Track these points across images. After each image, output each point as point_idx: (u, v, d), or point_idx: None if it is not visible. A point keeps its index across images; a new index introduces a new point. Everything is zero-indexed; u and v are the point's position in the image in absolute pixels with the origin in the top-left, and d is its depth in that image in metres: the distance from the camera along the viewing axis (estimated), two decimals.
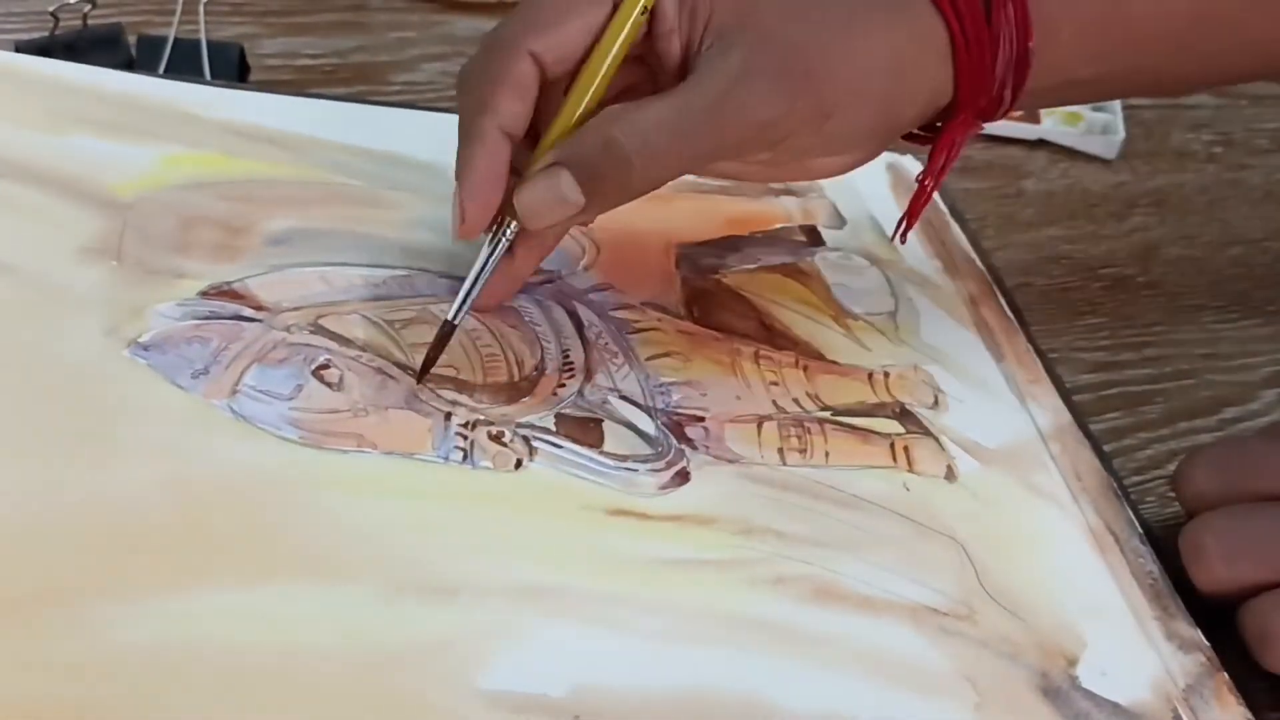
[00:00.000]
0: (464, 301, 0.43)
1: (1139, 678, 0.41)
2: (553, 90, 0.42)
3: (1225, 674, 0.41)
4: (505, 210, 0.42)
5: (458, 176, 0.42)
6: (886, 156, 0.62)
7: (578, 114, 0.42)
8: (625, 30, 0.42)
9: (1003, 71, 0.45)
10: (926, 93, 0.45)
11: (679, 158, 0.41)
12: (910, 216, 0.50)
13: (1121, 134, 0.68)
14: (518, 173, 0.42)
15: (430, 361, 0.43)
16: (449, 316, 0.43)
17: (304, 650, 0.35)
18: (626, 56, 0.42)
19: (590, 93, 0.42)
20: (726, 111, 0.41)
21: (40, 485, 0.37)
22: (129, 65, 0.57)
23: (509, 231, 0.43)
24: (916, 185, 0.49)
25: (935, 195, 0.60)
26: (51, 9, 0.57)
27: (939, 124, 0.47)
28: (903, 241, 0.51)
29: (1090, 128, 0.68)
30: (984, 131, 0.66)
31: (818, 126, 0.43)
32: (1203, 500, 0.44)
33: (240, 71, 0.59)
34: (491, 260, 0.43)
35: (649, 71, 0.44)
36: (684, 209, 0.54)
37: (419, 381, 0.43)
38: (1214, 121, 0.72)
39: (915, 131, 0.48)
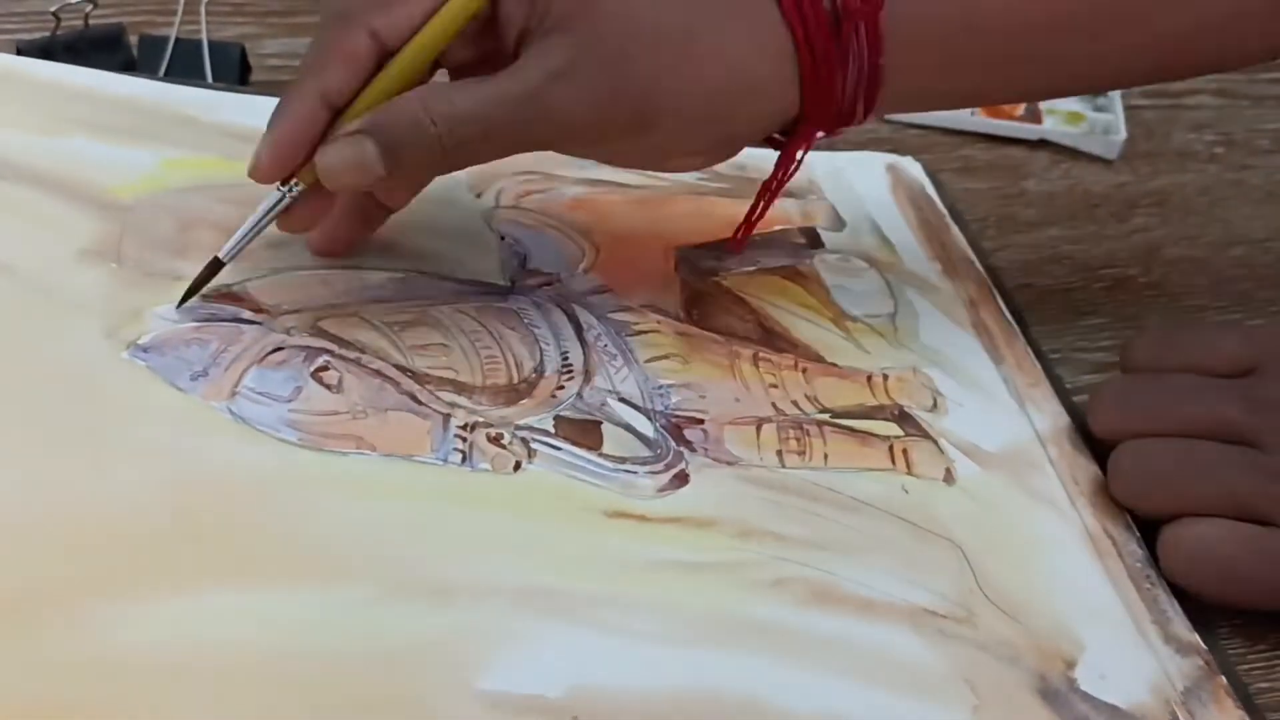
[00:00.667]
0: (239, 244, 0.44)
1: (1137, 681, 0.41)
2: (379, 65, 0.43)
3: (1223, 677, 0.41)
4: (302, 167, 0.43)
5: (269, 125, 0.42)
6: (887, 158, 0.62)
7: (389, 87, 0.42)
8: (455, 9, 0.42)
9: (852, 88, 0.44)
10: (768, 112, 0.45)
11: (485, 146, 0.42)
12: (747, 224, 0.50)
13: (1123, 134, 0.67)
14: None
15: (192, 291, 0.43)
16: (221, 253, 0.44)
17: (302, 652, 0.35)
18: (472, 33, 0.43)
19: (407, 66, 0.42)
20: (536, 108, 0.41)
21: (39, 486, 0.37)
22: (130, 65, 0.57)
23: (294, 189, 0.43)
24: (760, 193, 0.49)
25: (935, 197, 0.60)
26: (53, 9, 0.57)
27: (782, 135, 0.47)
28: (737, 250, 0.50)
29: (1092, 128, 0.68)
30: (986, 132, 0.67)
31: (637, 137, 0.42)
32: (1137, 367, 0.48)
33: (242, 72, 0.59)
34: (271, 212, 0.43)
35: (493, 50, 0.44)
36: (683, 211, 0.54)
37: (178, 307, 0.43)
38: (1216, 122, 0.72)
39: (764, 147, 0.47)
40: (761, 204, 0.50)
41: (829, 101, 0.44)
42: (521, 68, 0.41)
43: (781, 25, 0.43)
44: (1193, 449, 0.44)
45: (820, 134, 0.46)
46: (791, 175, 0.48)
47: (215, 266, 0.44)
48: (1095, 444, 0.48)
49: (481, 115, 0.41)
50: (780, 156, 0.47)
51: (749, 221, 0.50)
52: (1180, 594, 0.44)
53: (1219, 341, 0.47)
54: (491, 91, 0.41)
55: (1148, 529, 0.45)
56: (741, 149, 0.47)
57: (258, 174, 0.42)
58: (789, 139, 0.47)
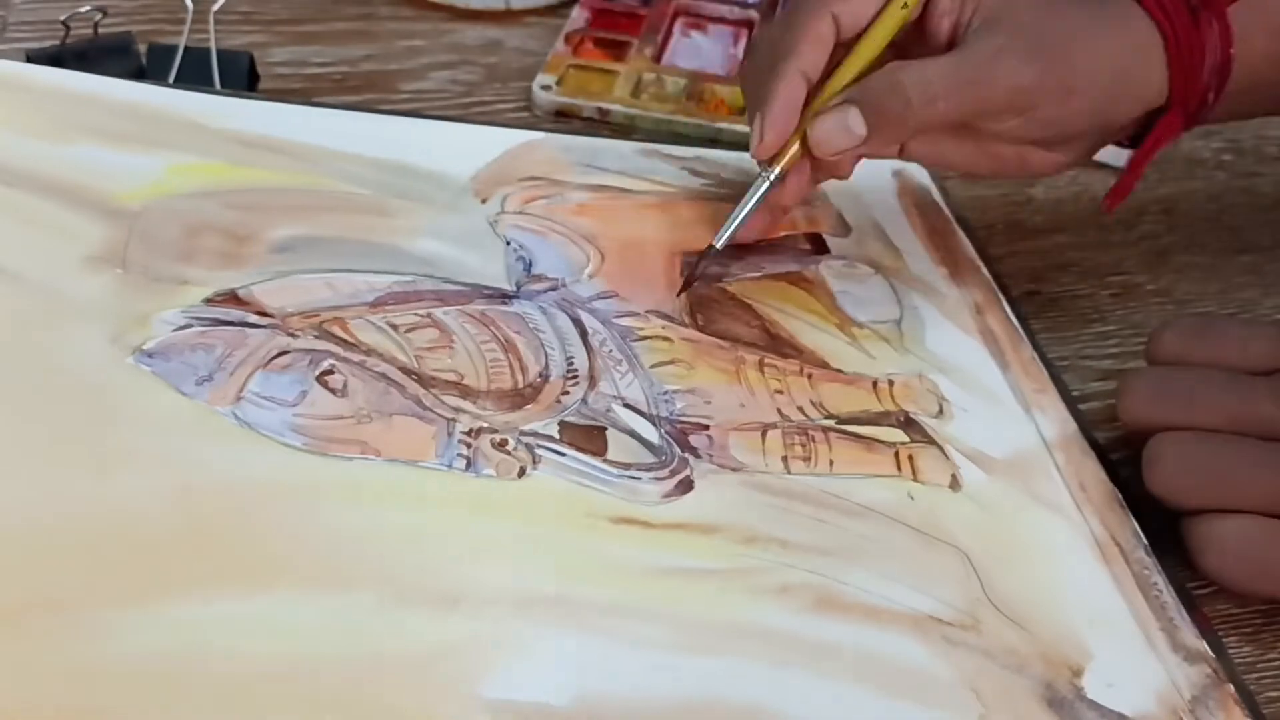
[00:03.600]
0: (737, 221, 0.50)
1: (1145, 689, 0.40)
2: (839, 51, 0.50)
3: (1231, 685, 0.41)
4: (785, 148, 0.49)
5: (760, 106, 0.48)
6: (893, 163, 0.61)
7: (861, 66, 0.49)
8: (909, 4, 0.49)
9: (1208, 76, 0.51)
10: (1145, 92, 0.51)
11: (948, 105, 0.48)
12: (1120, 191, 0.55)
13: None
14: None
15: (692, 278, 0.51)
16: (716, 242, 0.50)
17: (306, 658, 0.35)
18: (901, 28, 0.50)
19: (875, 50, 0.49)
20: (989, 73, 0.48)
21: (44, 492, 0.37)
22: (139, 74, 0.57)
23: (772, 174, 0.49)
24: (1124, 170, 0.54)
25: (942, 203, 0.60)
26: (63, 18, 0.57)
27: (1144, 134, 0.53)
28: (1109, 210, 0.55)
29: None
30: None
31: (1062, 100, 0.49)
32: (1165, 360, 0.48)
33: (250, 80, 0.60)
34: (766, 186, 0.50)
35: (916, 43, 0.51)
36: (687, 218, 0.54)
37: (679, 293, 0.51)
38: (1223, 129, 0.71)
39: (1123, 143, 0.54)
40: (1133, 175, 0.54)
41: (1193, 85, 0.50)
42: (969, 47, 0.48)
43: (1146, 20, 0.50)
44: (1233, 444, 0.44)
45: (1178, 129, 0.52)
46: (1156, 151, 0.53)
47: (708, 253, 0.50)
48: (1102, 447, 0.48)
49: (947, 79, 0.48)
50: (1150, 132, 0.52)
51: (1121, 189, 0.54)
52: (1187, 600, 0.43)
53: (1249, 338, 0.47)
54: (953, 62, 0.48)
55: (1153, 521, 0.45)
56: (1112, 135, 0.53)
57: (762, 149, 0.49)
58: (1157, 122, 0.52)
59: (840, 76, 0.49)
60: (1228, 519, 0.43)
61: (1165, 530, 0.45)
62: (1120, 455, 0.49)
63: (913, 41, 0.50)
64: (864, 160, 0.61)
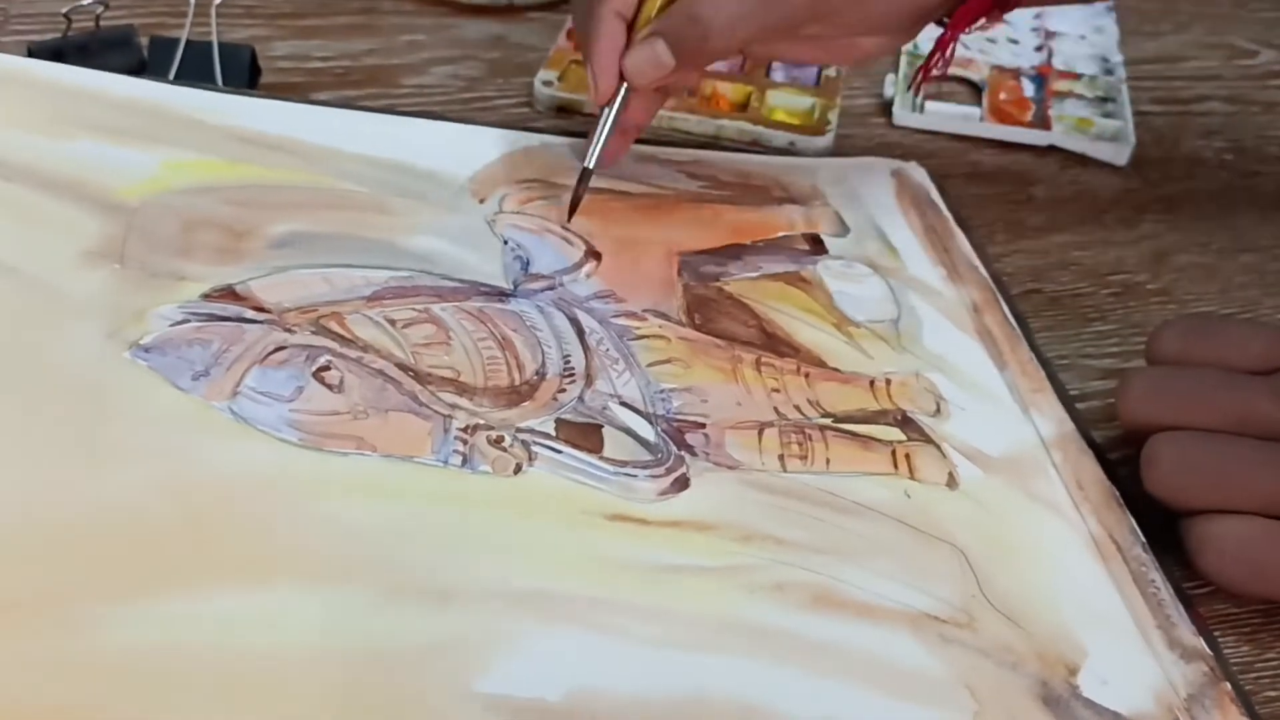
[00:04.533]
0: (597, 147, 0.52)
1: (1141, 687, 0.40)
2: None
3: (1228, 684, 0.41)
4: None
5: (587, 56, 0.52)
6: (892, 164, 0.62)
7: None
8: None
9: None
10: None
11: (748, 28, 0.50)
12: (924, 69, 0.57)
13: (1132, 141, 0.67)
14: None
15: (575, 202, 0.53)
16: (586, 163, 0.52)
17: (301, 653, 0.35)
18: None
19: None
20: None
21: (39, 486, 0.37)
22: (141, 67, 0.57)
23: (618, 102, 0.52)
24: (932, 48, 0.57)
25: (940, 203, 0.60)
26: (64, 10, 0.57)
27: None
28: (916, 92, 0.59)
29: (1101, 134, 0.68)
30: (995, 138, 0.67)
31: (860, 2, 0.51)
32: (1163, 360, 0.48)
33: (252, 74, 0.60)
34: (613, 116, 0.52)
35: None
36: (686, 217, 0.54)
37: (568, 220, 0.53)
38: (1225, 128, 0.71)
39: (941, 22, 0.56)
40: (934, 59, 0.57)
41: None
42: None
43: None
44: (1232, 444, 0.44)
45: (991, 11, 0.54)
46: (956, 37, 0.55)
47: (585, 176, 0.53)
48: (1100, 446, 0.48)
49: (742, 7, 0.50)
50: (954, 16, 0.55)
51: (925, 69, 0.57)
52: (1185, 599, 0.43)
53: (1249, 338, 0.47)
54: None
55: (1152, 519, 0.45)
56: (929, 18, 0.55)
57: (600, 95, 0.52)
58: (953, 17, 0.54)
59: (651, 5, 0.51)
60: (1226, 519, 0.43)
61: (1163, 529, 0.45)
62: (1119, 455, 0.49)
63: None
64: (862, 159, 0.61)
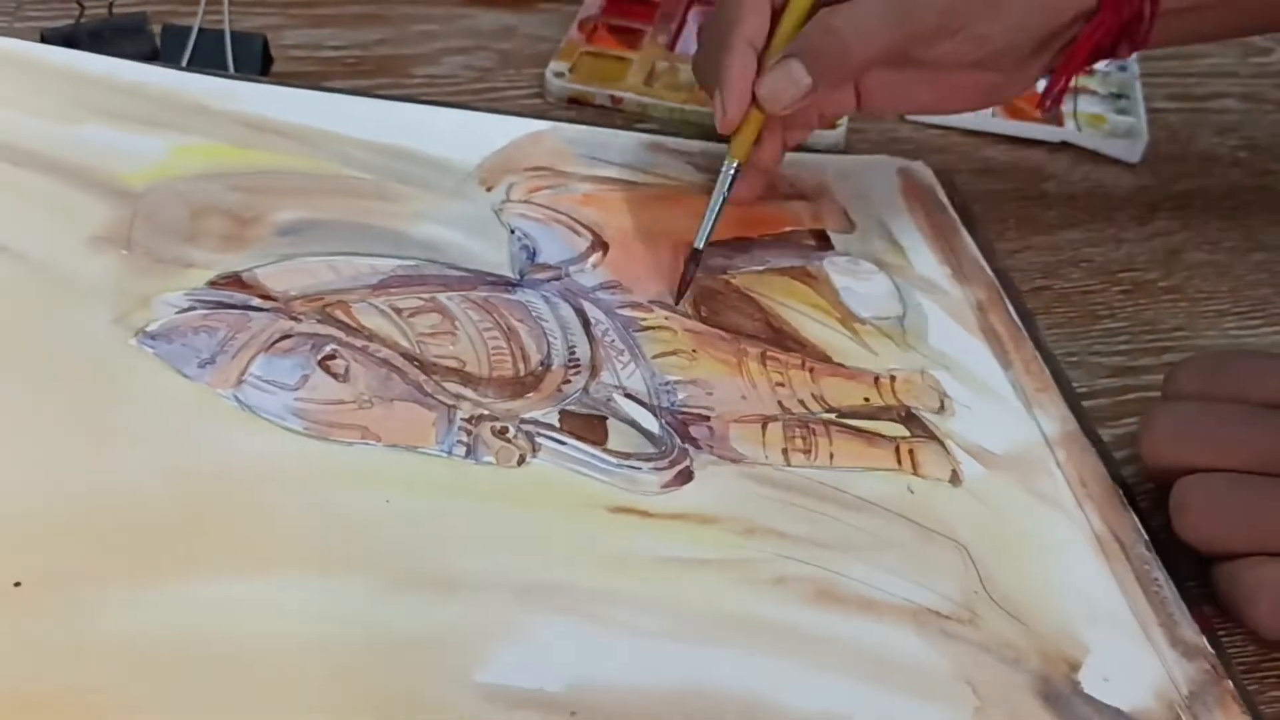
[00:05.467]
0: (709, 225, 0.50)
1: (1142, 684, 0.40)
2: (778, 16, 0.51)
3: (1229, 681, 0.41)
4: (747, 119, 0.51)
5: (718, 82, 0.50)
6: (898, 162, 0.62)
7: (798, 20, 0.50)
8: None
9: None
10: (1075, 4, 0.52)
11: (883, 38, 0.49)
12: (1055, 92, 0.56)
13: (1145, 137, 0.67)
14: None
15: (684, 286, 0.50)
16: (696, 243, 0.50)
17: (301, 641, 0.35)
18: None
19: (804, 7, 0.50)
20: (907, 6, 0.49)
21: (44, 472, 0.37)
22: (153, 54, 0.58)
23: (735, 166, 0.51)
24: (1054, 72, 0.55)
25: (946, 201, 0.60)
26: None
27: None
28: (1048, 111, 0.59)
29: (1114, 131, 0.68)
30: (1007, 134, 0.67)
31: (992, 14, 0.50)
32: (1182, 396, 0.47)
33: (264, 63, 0.60)
34: (733, 173, 0.51)
35: None
36: (694, 210, 0.54)
37: (675, 303, 0.50)
38: (1240, 126, 0.71)
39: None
40: (1063, 80, 0.55)
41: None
42: None
43: None
44: (1262, 486, 0.43)
45: (1119, 41, 0.54)
46: (1081, 63, 0.54)
47: (695, 256, 0.50)
48: (1105, 443, 0.48)
49: (878, 14, 0.49)
50: (1080, 35, 0.53)
51: (1055, 91, 0.56)
52: (1187, 596, 0.43)
53: (1267, 373, 0.46)
54: (872, 3, 0.49)
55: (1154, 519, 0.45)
56: (1046, 54, 0.53)
57: (726, 122, 0.50)
58: (1085, 26, 0.53)
59: (781, 34, 0.50)
60: (1271, 564, 0.42)
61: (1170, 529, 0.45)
62: (1129, 451, 0.49)
63: None
64: (868, 157, 0.61)
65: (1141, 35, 0.53)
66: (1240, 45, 0.79)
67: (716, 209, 0.50)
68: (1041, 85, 0.56)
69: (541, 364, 0.45)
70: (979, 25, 0.50)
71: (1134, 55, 0.72)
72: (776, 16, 0.51)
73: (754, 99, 0.50)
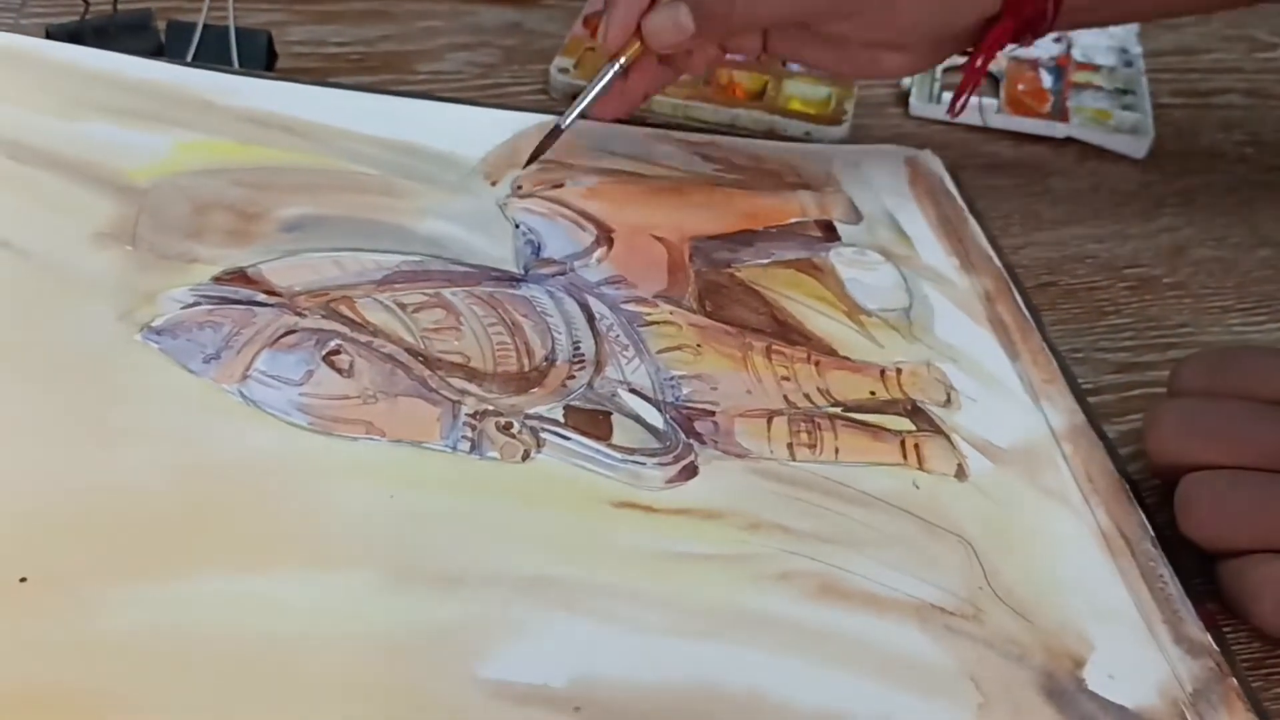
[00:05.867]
0: (581, 107, 0.53)
1: (1146, 682, 0.40)
2: None
3: (1234, 680, 0.41)
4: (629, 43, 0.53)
5: (608, 6, 0.52)
6: (906, 152, 0.62)
7: None
8: None
9: None
10: (980, 2, 0.54)
11: (770, 9, 0.52)
12: (958, 95, 0.60)
13: (1150, 133, 0.67)
14: None
15: (536, 154, 0.53)
16: (561, 122, 0.53)
17: (306, 637, 0.35)
18: None
19: None
20: None
21: (49, 468, 0.37)
22: (158, 51, 0.58)
23: (625, 58, 0.53)
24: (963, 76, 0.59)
25: (954, 192, 0.60)
26: None
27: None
28: (955, 114, 0.61)
29: (1119, 126, 0.68)
30: (1012, 129, 0.67)
31: (887, 9, 0.52)
32: (1187, 393, 0.47)
33: (268, 59, 0.60)
34: (610, 75, 0.53)
35: None
36: (698, 203, 0.54)
37: (524, 166, 0.54)
38: (1245, 122, 0.71)
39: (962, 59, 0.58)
40: (968, 82, 0.59)
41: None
42: None
43: None
44: (1268, 483, 0.43)
45: (1019, 36, 0.56)
46: (989, 61, 0.57)
47: (555, 133, 0.53)
48: (1110, 439, 0.48)
49: None
50: (980, 43, 0.56)
51: (961, 89, 0.59)
52: (1192, 593, 0.43)
53: (1274, 370, 0.46)
54: None
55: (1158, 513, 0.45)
56: (953, 45, 0.56)
57: (607, 47, 0.53)
58: (988, 31, 0.56)
59: None
60: (1276, 561, 0.42)
61: (1170, 521, 0.45)
62: (1134, 448, 0.49)
63: None
64: (875, 147, 0.61)
65: (1044, 30, 0.56)
66: (1245, 41, 0.79)
67: (588, 98, 0.53)
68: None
69: (546, 359, 0.45)
70: (873, 14, 0.52)
71: (1139, 51, 0.73)
72: None
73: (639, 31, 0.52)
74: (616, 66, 0.53)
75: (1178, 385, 0.47)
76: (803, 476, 0.44)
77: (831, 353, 0.49)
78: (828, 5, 0.52)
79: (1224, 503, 0.43)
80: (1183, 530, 0.44)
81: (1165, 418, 0.46)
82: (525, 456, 0.42)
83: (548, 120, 0.58)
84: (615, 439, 0.43)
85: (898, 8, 0.53)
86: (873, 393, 0.48)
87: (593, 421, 0.44)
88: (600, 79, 0.53)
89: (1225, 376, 0.46)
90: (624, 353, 0.47)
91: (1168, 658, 0.41)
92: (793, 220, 0.56)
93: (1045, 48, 0.73)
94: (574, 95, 0.63)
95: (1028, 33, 0.56)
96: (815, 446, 0.45)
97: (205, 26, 0.58)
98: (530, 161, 0.53)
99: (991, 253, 0.56)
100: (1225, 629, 0.43)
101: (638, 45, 0.52)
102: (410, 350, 0.44)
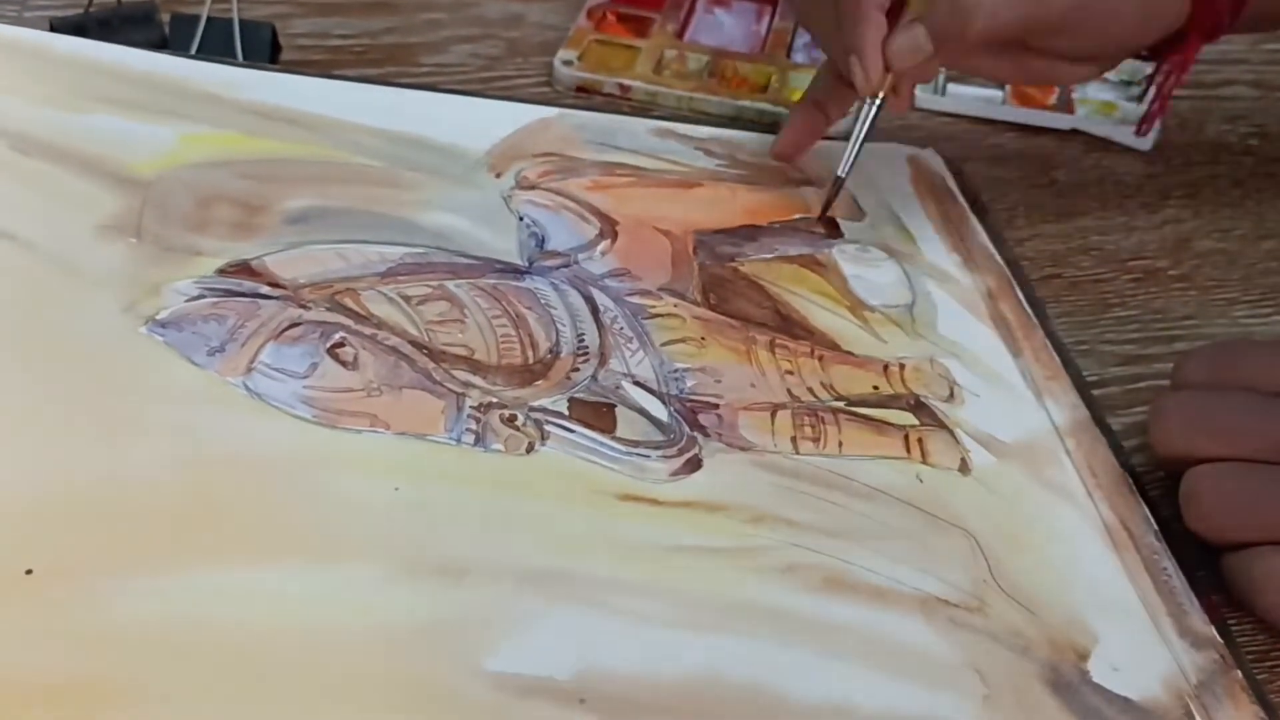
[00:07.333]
0: (855, 153, 0.55)
1: (1151, 674, 0.40)
2: None
3: (1239, 672, 0.41)
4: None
5: (855, 49, 0.53)
6: (908, 149, 0.62)
7: None
8: None
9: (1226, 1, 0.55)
10: (1168, 17, 0.55)
11: (1006, 22, 0.52)
12: (1149, 117, 0.63)
13: (1156, 125, 0.67)
14: None
15: (826, 206, 0.56)
16: (840, 171, 0.55)
17: (311, 629, 0.35)
18: None
19: None
20: None
21: (54, 460, 0.37)
22: (162, 43, 0.58)
23: (878, 100, 0.54)
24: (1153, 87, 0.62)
25: (956, 189, 0.60)
26: None
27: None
28: (1143, 134, 0.64)
29: (1125, 118, 0.67)
30: (1017, 121, 0.67)
31: (1106, 23, 0.54)
32: (1190, 385, 0.47)
33: (272, 51, 0.60)
34: (876, 111, 0.54)
35: None
36: (703, 197, 0.54)
37: (818, 218, 0.56)
38: (1251, 114, 0.71)
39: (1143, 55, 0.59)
40: (1162, 98, 0.62)
41: (1211, 11, 0.55)
42: None
43: None
44: (1273, 476, 0.43)
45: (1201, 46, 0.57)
46: (1185, 74, 0.60)
47: (838, 184, 0.55)
48: (1115, 433, 0.48)
49: (1000, 4, 0.52)
50: (1171, 56, 0.59)
51: (1151, 116, 0.63)
52: (1197, 587, 0.43)
53: (1277, 362, 0.45)
54: None
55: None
56: (1135, 48, 0.57)
57: (869, 88, 0.53)
58: (1176, 48, 0.57)
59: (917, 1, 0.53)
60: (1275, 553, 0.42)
61: (1174, 515, 0.45)
62: (1139, 440, 0.49)
63: None
64: (878, 145, 0.61)
65: (1217, 37, 0.57)
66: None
67: (859, 140, 0.55)
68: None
69: (550, 351, 0.45)
70: (1092, 29, 0.54)
71: None
72: None
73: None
74: (879, 101, 0.54)
75: (1181, 378, 0.47)
76: (806, 470, 0.44)
77: (835, 347, 0.49)
78: (1056, 20, 0.53)
79: (1229, 496, 0.43)
80: (1188, 523, 0.44)
81: (1170, 410, 0.46)
82: (529, 449, 0.42)
83: (551, 113, 0.58)
84: (619, 432, 0.43)
85: (1114, 22, 0.54)
86: (876, 387, 0.48)
87: (597, 414, 0.44)
88: (867, 117, 0.54)
89: (1229, 369, 0.46)
90: (628, 345, 0.47)
91: (1172, 650, 0.41)
92: (796, 216, 0.56)
93: None
94: (579, 87, 0.64)
95: (1209, 40, 0.57)
96: (819, 440, 0.45)
97: (209, 19, 0.58)
98: (823, 214, 0.56)
99: (994, 250, 0.56)
100: (1230, 621, 0.43)
101: (889, 75, 0.53)
102: (414, 343, 0.44)
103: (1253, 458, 0.43)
